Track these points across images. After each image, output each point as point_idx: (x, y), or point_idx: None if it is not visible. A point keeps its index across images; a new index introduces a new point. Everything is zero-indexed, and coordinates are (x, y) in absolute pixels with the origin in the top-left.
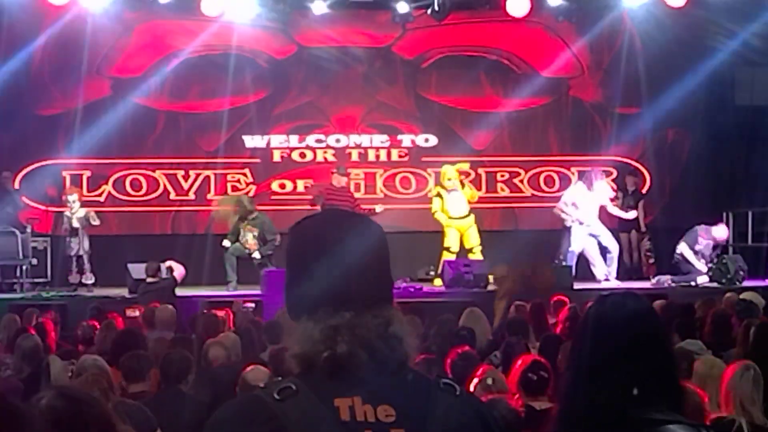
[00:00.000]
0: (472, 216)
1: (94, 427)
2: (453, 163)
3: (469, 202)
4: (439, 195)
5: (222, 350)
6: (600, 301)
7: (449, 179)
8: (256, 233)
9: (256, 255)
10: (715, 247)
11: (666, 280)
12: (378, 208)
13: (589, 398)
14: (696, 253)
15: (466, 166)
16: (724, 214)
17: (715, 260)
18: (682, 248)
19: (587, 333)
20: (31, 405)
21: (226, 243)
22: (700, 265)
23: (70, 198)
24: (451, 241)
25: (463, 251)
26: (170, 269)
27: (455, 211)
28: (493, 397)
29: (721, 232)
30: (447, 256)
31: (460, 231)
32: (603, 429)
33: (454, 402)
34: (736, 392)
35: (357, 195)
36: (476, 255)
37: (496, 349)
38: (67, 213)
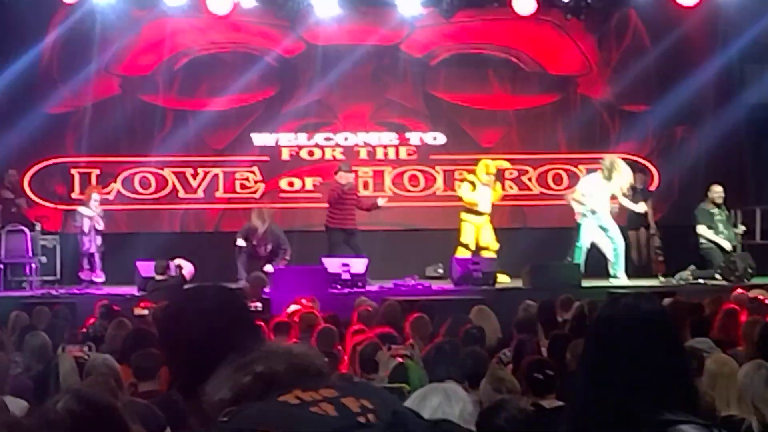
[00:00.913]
0: (488, 216)
1: (110, 428)
2: (465, 161)
3: (493, 203)
4: (472, 183)
5: None
6: (612, 302)
7: (488, 174)
8: (269, 247)
9: (269, 268)
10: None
11: (687, 275)
12: (380, 201)
13: (600, 399)
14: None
15: (506, 164)
16: (732, 212)
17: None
18: (702, 232)
19: (599, 334)
20: (48, 408)
21: (241, 243)
22: (725, 243)
23: (95, 197)
24: (469, 237)
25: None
26: (179, 267)
27: (482, 207)
28: (501, 398)
29: (716, 189)
30: (463, 253)
31: (476, 227)
32: (615, 430)
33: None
34: (748, 392)
35: (366, 193)
36: (489, 254)
37: (505, 347)
38: (80, 209)
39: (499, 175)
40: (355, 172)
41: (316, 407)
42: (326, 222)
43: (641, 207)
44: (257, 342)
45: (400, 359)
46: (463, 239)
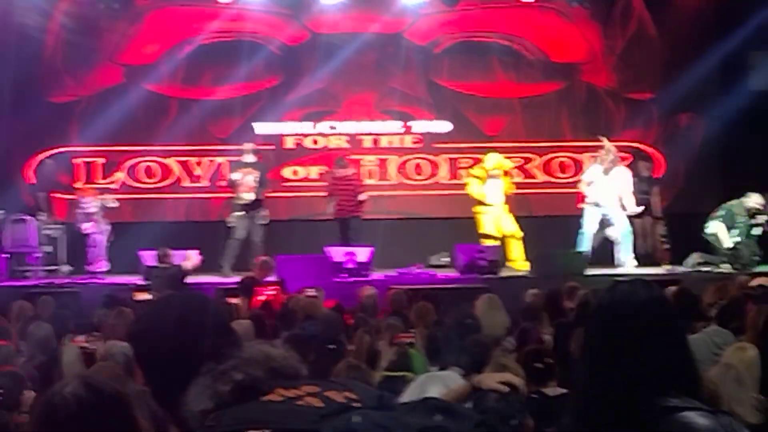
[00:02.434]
0: (506, 206)
1: (117, 417)
2: (469, 149)
3: (505, 194)
4: (479, 178)
5: None
6: (610, 289)
7: (494, 168)
8: (257, 176)
9: (251, 195)
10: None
11: (696, 258)
12: (361, 197)
13: (602, 387)
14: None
15: (510, 165)
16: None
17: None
18: (716, 228)
19: (598, 322)
20: (54, 393)
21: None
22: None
23: (84, 201)
24: (489, 228)
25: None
26: (185, 259)
27: (491, 198)
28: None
29: (755, 199)
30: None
31: (493, 218)
32: (617, 418)
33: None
34: (722, 394)
35: (370, 182)
36: (516, 243)
37: (511, 335)
38: (78, 210)
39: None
40: (358, 161)
41: (302, 401)
42: None
43: (639, 209)
44: (234, 348)
45: (404, 348)
46: (483, 230)
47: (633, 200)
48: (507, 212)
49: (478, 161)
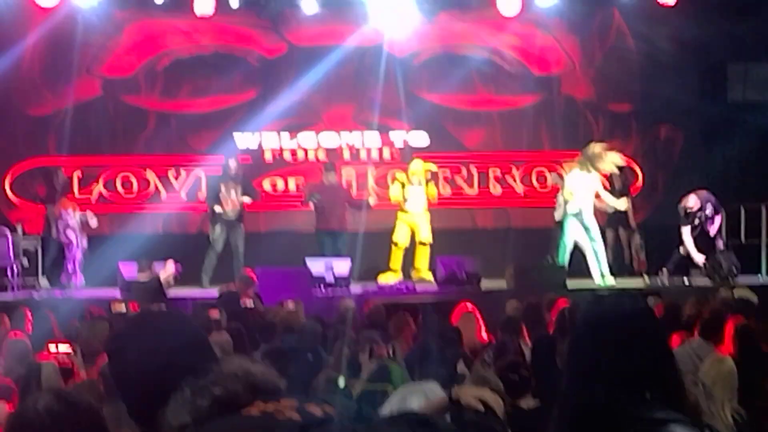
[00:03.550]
0: (428, 214)
1: (90, 430)
2: (448, 162)
3: (429, 202)
4: (401, 183)
5: (217, 350)
6: (596, 301)
7: (414, 174)
8: (239, 189)
9: (236, 211)
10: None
11: (665, 274)
12: (371, 201)
13: (587, 399)
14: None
15: (434, 168)
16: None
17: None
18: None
19: (584, 334)
20: (27, 406)
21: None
22: (699, 257)
23: (65, 213)
24: (399, 236)
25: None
26: (162, 268)
27: (411, 206)
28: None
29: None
30: (396, 251)
31: (410, 226)
32: (603, 430)
33: None
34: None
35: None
36: (425, 251)
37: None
38: (59, 222)
39: (484, 176)
40: (337, 169)
41: (281, 414)
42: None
43: (623, 203)
44: (213, 364)
45: (383, 360)
46: (394, 237)
47: (612, 197)
48: (426, 221)
49: (457, 169)
